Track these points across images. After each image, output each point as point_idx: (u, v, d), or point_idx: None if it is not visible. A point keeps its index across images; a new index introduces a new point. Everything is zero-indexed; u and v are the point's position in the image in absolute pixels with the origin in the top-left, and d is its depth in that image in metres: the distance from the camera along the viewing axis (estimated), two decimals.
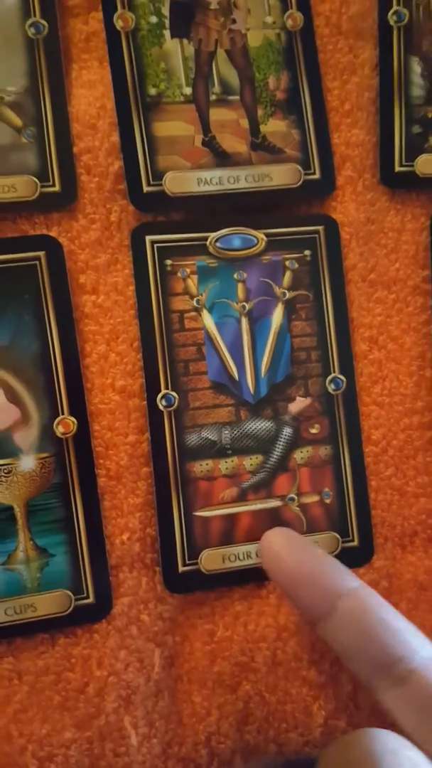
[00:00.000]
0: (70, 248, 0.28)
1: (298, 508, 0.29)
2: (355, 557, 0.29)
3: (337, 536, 0.29)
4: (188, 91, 0.29)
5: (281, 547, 0.24)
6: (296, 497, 0.29)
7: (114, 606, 0.27)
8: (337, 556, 0.28)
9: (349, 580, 0.24)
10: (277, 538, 0.25)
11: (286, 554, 0.24)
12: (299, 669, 0.28)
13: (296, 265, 0.29)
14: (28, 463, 0.27)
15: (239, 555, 0.28)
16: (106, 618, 0.27)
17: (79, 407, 0.27)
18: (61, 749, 0.26)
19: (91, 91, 0.29)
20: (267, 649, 0.28)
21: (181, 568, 0.28)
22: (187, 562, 0.28)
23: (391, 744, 0.20)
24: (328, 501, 0.29)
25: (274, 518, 0.29)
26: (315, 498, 0.29)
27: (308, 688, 0.28)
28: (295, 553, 0.24)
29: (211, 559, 0.28)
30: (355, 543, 0.29)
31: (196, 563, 0.28)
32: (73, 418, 0.27)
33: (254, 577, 0.28)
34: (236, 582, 0.28)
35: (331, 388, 0.29)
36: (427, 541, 0.30)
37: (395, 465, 0.30)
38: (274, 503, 0.29)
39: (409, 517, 0.30)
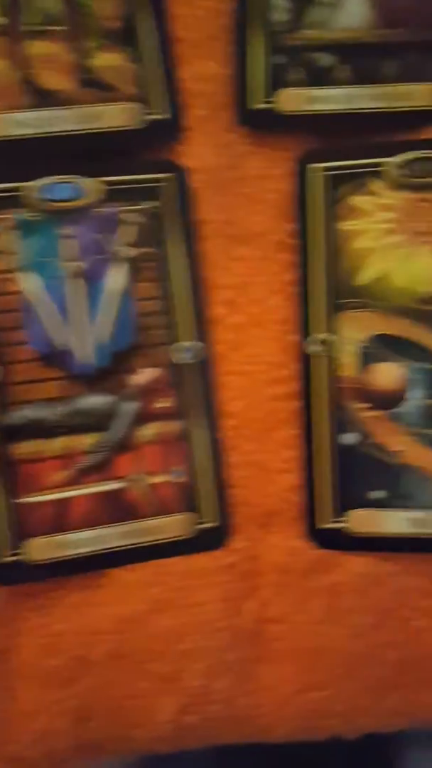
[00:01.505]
0: None
1: (144, 489, 0.26)
2: (211, 539, 0.27)
3: (192, 517, 0.27)
4: (1, 20, 0.25)
5: None
6: (142, 477, 0.26)
7: None
8: (192, 539, 0.26)
9: None
10: None
11: None
12: (143, 662, 0.27)
13: (138, 219, 0.26)
14: None
15: (74, 543, 0.26)
16: None
17: None
18: None
19: None
20: (106, 642, 0.26)
21: (3, 559, 0.25)
22: (11, 552, 0.25)
23: None
24: (180, 480, 0.27)
25: (116, 501, 0.26)
26: (164, 477, 0.27)
27: (153, 682, 0.26)
28: None
29: (39, 549, 0.26)
30: (212, 524, 0.27)
31: (22, 553, 0.25)
32: None
33: (92, 565, 0.26)
34: (72, 572, 0.26)
35: (181, 357, 0.27)
36: (291, 520, 0.28)
37: (257, 439, 0.28)
38: (115, 485, 0.26)
39: (271, 495, 0.28)
